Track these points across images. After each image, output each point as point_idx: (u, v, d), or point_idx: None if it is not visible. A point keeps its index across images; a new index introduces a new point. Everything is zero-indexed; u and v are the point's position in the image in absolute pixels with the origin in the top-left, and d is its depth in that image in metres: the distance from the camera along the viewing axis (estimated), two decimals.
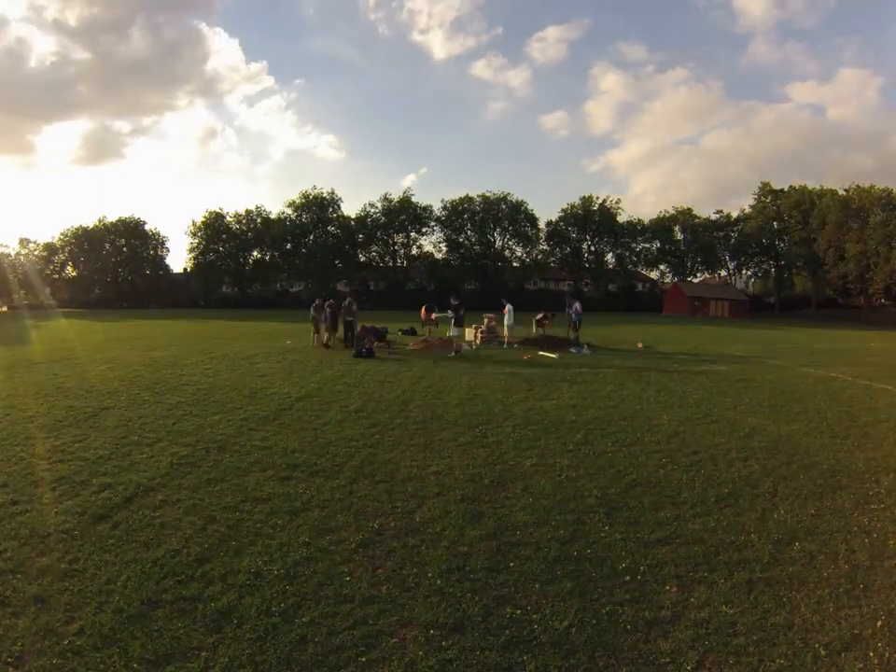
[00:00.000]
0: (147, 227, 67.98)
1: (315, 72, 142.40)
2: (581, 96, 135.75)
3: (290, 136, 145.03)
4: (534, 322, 18.28)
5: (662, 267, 68.47)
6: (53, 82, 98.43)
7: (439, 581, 3.19)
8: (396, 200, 63.27)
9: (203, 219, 64.25)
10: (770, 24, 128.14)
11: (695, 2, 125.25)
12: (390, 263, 65.68)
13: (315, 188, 66.56)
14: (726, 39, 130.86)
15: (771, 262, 64.61)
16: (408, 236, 65.03)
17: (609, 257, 67.44)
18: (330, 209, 63.99)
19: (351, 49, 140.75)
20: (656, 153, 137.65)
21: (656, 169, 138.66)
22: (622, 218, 65.20)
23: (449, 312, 17.26)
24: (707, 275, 71.08)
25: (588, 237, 65.63)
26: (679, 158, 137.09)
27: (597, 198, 64.99)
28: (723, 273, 70.27)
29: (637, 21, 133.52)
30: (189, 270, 66.69)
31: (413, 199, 63.52)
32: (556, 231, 65.04)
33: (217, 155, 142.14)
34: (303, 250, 63.11)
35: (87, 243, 65.02)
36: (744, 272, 69.94)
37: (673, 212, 66.51)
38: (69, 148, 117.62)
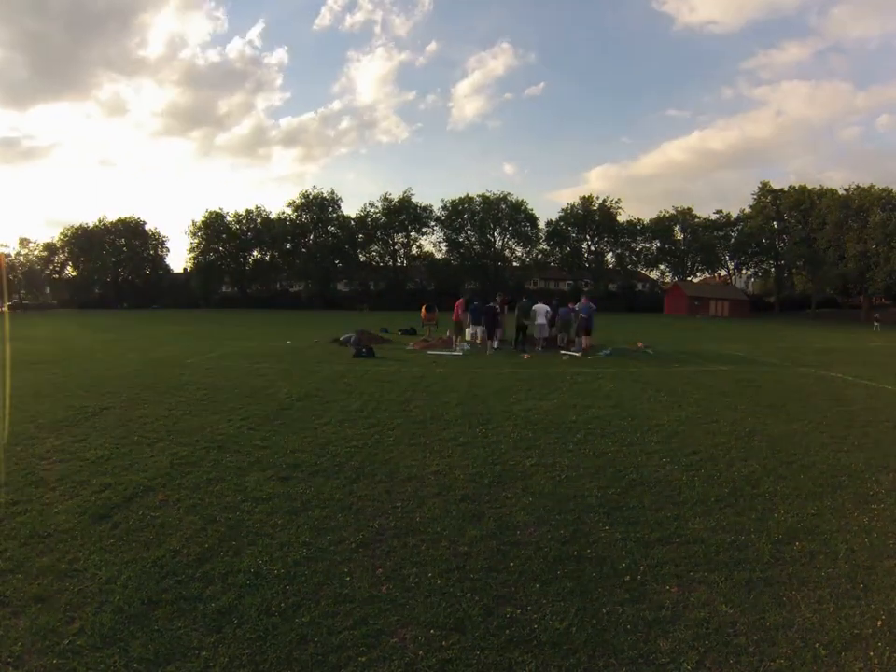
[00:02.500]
0: (147, 227, 68.07)
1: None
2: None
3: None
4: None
5: (662, 267, 68.63)
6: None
7: (439, 581, 3.19)
8: (396, 200, 63.27)
9: (203, 219, 64.33)
10: None
11: None
12: (390, 263, 65.72)
13: (314, 188, 66.67)
14: None
15: (771, 262, 64.66)
16: (408, 236, 65.10)
17: (609, 256, 67.60)
18: (330, 209, 64.08)
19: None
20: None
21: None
22: (621, 218, 65.28)
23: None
24: (707, 275, 71.12)
25: (588, 237, 65.73)
26: None
27: (597, 198, 65.19)
28: (723, 272, 70.32)
29: None
30: (189, 270, 66.70)
31: (414, 199, 63.53)
32: (556, 231, 65.12)
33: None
34: (303, 250, 63.17)
35: (87, 242, 65.02)
36: (744, 271, 70.01)
37: (673, 212, 66.55)
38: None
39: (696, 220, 65.81)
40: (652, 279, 71.19)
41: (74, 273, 67.98)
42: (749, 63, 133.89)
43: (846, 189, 52.66)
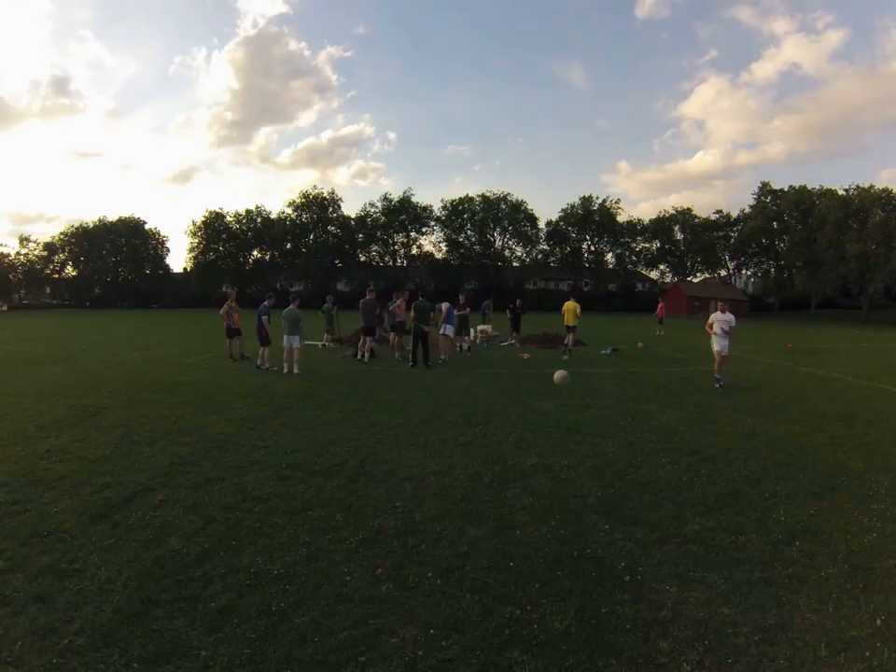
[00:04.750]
0: (147, 226, 68.04)
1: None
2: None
3: None
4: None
5: (662, 267, 68.50)
6: None
7: (438, 581, 3.18)
8: (396, 199, 63.22)
9: (203, 219, 64.27)
10: None
11: None
12: (390, 263, 65.63)
13: (315, 187, 66.56)
14: None
15: (771, 262, 64.53)
16: (408, 236, 65.00)
17: (609, 256, 67.48)
18: (330, 209, 64.00)
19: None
20: None
21: None
22: (621, 218, 65.22)
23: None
24: (707, 275, 71.04)
25: (588, 237, 65.61)
26: None
27: (597, 198, 65.10)
28: (723, 273, 70.25)
29: None
30: (189, 269, 66.65)
31: (413, 199, 63.48)
32: (556, 231, 65.03)
33: None
34: (303, 250, 63.11)
35: (87, 242, 65.01)
36: (744, 272, 69.93)
37: (673, 212, 66.48)
38: None
39: (696, 220, 65.70)
40: (652, 279, 71.12)
41: (74, 273, 67.93)
42: None
43: (845, 190, 52.53)
